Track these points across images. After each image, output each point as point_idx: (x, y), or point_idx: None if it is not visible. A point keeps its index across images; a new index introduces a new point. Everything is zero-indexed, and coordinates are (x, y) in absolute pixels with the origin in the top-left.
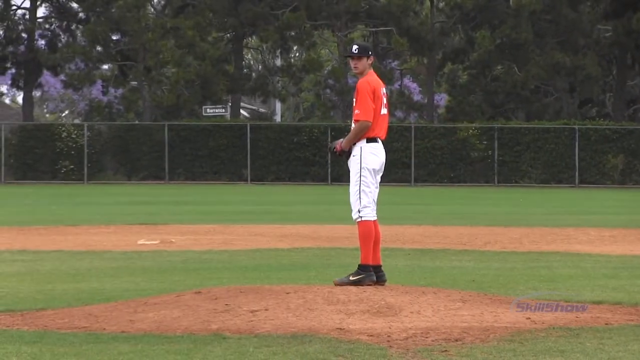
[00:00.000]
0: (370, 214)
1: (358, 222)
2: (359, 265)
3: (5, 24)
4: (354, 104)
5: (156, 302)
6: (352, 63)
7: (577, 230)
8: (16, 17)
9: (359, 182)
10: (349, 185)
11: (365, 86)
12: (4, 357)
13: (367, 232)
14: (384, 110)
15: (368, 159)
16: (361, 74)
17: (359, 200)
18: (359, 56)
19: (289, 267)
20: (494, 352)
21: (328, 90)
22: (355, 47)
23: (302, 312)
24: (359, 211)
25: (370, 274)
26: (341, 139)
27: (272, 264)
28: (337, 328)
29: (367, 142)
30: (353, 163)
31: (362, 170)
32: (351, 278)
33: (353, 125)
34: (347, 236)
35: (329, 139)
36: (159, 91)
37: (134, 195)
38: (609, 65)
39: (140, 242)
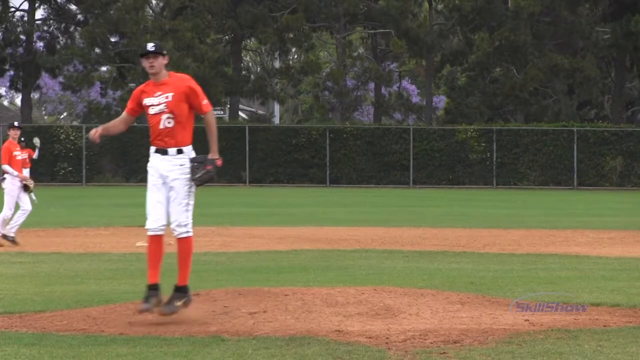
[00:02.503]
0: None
1: (184, 237)
2: (182, 287)
3: (3, 25)
4: (197, 98)
5: None
6: (148, 62)
7: (575, 232)
8: (15, 19)
9: (191, 195)
10: (187, 195)
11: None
12: (2, 359)
13: (191, 249)
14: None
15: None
16: (158, 73)
17: (189, 213)
18: (155, 55)
19: (288, 269)
20: (493, 354)
21: (327, 92)
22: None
23: (300, 314)
24: (187, 225)
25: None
26: (205, 155)
27: (271, 266)
28: (336, 330)
29: (191, 149)
30: (181, 173)
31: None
32: (176, 304)
33: (209, 120)
34: (346, 238)
35: (327, 141)
36: None
37: (133, 197)
38: (608, 68)
39: (139, 244)
